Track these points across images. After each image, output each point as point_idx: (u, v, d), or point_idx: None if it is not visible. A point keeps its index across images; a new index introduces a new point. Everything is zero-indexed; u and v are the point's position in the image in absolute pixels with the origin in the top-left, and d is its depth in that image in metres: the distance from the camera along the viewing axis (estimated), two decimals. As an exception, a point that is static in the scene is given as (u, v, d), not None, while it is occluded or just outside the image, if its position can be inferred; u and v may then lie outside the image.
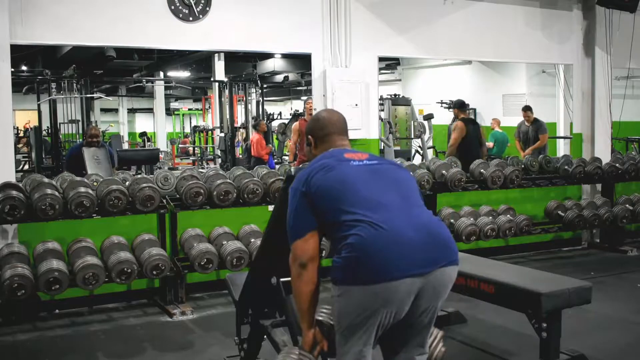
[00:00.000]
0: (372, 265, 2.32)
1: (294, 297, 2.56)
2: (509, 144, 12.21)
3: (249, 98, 14.03)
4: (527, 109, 9.87)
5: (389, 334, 2.50)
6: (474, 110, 13.85)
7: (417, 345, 2.57)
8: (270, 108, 18.80)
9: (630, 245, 7.45)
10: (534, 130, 9.65)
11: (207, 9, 5.80)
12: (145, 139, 20.02)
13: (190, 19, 5.74)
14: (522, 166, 7.16)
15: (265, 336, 3.30)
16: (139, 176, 5.73)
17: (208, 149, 16.44)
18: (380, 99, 11.27)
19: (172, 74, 17.41)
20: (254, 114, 14.15)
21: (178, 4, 5.68)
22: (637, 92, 10.54)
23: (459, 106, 8.13)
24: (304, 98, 17.99)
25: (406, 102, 13.54)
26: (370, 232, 2.34)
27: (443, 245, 2.44)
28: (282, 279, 2.98)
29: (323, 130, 2.75)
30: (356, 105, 6.42)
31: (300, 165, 5.82)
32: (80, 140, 10.91)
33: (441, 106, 13.42)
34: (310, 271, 2.46)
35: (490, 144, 12.22)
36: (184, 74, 17.76)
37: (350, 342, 2.44)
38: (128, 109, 24.60)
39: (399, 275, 2.32)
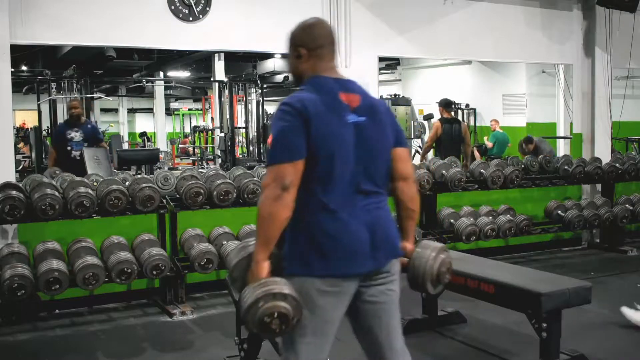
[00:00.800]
0: (329, 258, 2.29)
1: (264, 222, 2.24)
2: (509, 144, 12.25)
3: (249, 98, 14.02)
4: (527, 142, 9.90)
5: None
6: (474, 110, 13.88)
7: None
8: (270, 108, 18.78)
9: (630, 245, 7.45)
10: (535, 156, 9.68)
11: (207, 9, 5.80)
12: (145, 139, 20.03)
13: (190, 19, 5.74)
14: (522, 166, 7.16)
15: (265, 336, 3.29)
16: (139, 176, 5.73)
17: (208, 149, 16.44)
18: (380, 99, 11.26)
19: (172, 74, 17.40)
20: (254, 114, 14.13)
21: (178, 4, 5.68)
22: (637, 92, 10.55)
23: (444, 105, 8.37)
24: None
25: (406, 102, 13.56)
26: (333, 225, 2.30)
27: (390, 245, 2.43)
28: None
29: (315, 42, 2.47)
30: (356, 105, 6.42)
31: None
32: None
33: (441, 106, 13.42)
34: (292, 195, 2.24)
35: (490, 144, 12.31)
36: (184, 74, 17.76)
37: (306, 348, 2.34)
38: (128, 109, 24.61)
39: (350, 272, 2.33)
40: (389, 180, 2.48)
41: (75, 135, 7.20)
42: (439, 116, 8.28)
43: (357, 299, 2.40)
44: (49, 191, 4.75)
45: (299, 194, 2.28)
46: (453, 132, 7.95)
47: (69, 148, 7.15)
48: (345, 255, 2.31)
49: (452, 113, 9.20)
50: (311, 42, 2.47)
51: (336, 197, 2.31)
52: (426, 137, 12.23)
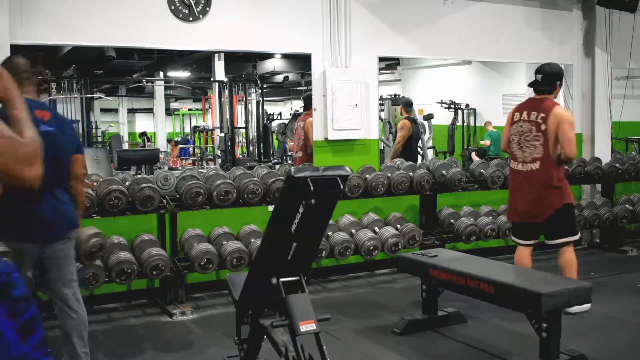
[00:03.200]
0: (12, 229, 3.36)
1: None
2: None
3: (249, 98, 14.01)
4: None
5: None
6: (474, 110, 13.88)
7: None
8: (270, 108, 18.78)
9: (630, 245, 7.45)
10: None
11: (207, 9, 5.80)
12: (145, 139, 20.04)
13: (190, 19, 5.74)
14: (522, 166, 7.16)
15: (265, 336, 3.30)
16: (139, 176, 5.73)
17: (208, 149, 16.44)
18: (380, 99, 11.26)
19: (172, 74, 17.38)
20: (254, 114, 14.14)
21: (178, 4, 5.68)
22: (637, 92, 10.54)
23: (406, 105, 8.43)
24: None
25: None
26: (27, 208, 3.30)
27: (65, 222, 3.50)
28: (282, 279, 2.98)
29: (12, 71, 3.12)
30: (356, 105, 6.42)
31: (301, 165, 5.81)
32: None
33: (441, 106, 13.42)
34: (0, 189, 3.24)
35: (487, 142, 12.43)
36: (184, 74, 17.74)
37: None
38: (128, 109, 24.61)
39: (29, 239, 3.40)
40: (69, 178, 3.52)
41: None
42: (400, 115, 8.63)
43: (42, 255, 3.46)
44: (49, 191, 4.76)
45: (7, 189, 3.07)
46: (417, 131, 8.41)
47: None
48: (32, 229, 3.37)
49: (412, 113, 9.32)
50: (11, 70, 3.35)
51: (31, 190, 3.05)
52: (426, 137, 12.21)
